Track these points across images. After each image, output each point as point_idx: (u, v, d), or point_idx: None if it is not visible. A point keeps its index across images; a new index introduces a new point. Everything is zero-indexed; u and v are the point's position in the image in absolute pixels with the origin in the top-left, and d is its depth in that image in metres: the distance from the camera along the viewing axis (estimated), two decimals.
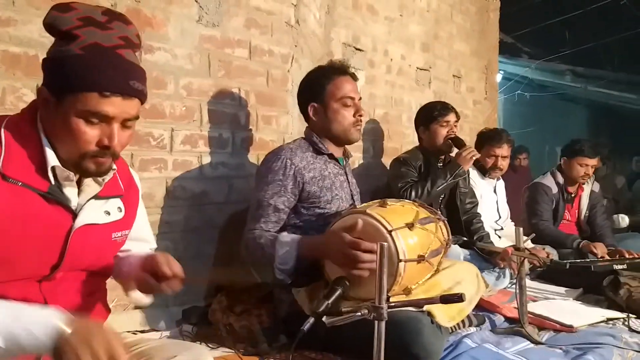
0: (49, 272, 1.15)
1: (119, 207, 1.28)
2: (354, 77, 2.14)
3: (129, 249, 1.40)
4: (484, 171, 2.99)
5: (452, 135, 2.87)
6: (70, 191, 1.18)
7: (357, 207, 1.96)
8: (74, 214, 1.18)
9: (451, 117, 2.89)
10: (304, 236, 1.87)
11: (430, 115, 2.91)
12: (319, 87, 2.07)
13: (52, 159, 1.13)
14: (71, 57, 1.09)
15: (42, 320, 0.98)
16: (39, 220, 1.11)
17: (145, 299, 1.34)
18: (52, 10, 1.12)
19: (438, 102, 3.03)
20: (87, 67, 1.08)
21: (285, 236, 1.86)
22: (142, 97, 1.17)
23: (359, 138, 2.14)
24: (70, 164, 1.15)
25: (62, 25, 1.10)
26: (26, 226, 1.09)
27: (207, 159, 2.28)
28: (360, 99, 2.12)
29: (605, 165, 5.84)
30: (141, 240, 1.45)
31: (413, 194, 2.62)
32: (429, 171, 2.84)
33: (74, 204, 1.18)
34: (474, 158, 2.79)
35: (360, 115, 2.08)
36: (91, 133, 1.11)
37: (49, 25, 1.12)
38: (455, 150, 2.88)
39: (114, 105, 1.10)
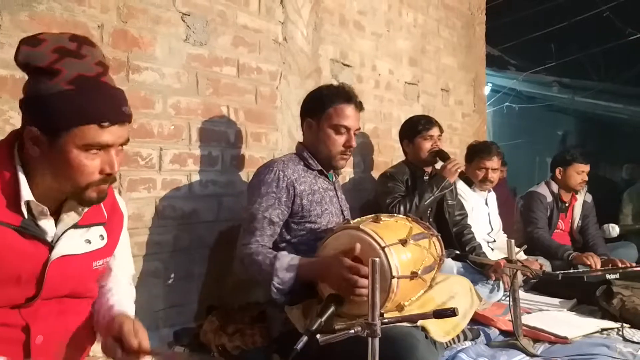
0: (27, 301, 1.14)
1: (101, 235, 1.26)
2: (359, 107, 2.11)
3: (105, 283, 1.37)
4: (469, 183, 2.98)
5: (436, 149, 2.89)
6: (46, 223, 1.16)
7: (351, 222, 1.95)
8: (51, 246, 1.16)
9: (435, 131, 2.91)
10: (302, 258, 1.83)
11: (414, 129, 2.92)
12: (320, 106, 2.07)
13: (26, 193, 1.12)
14: (61, 93, 1.07)
15: None
16: (13, 254, 1.10)
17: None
18: (23, 46, 1.09)
19: (422, 116, 3.04)
20: (81, 101, 1.07)
21: (285, 256, 1.82)
22: (131, 120, 1.19)
23: (344, 167, 2.14)
24: (73, 196, 1.16)
25: (39, 61, 1.08)
26: (0, 260, 1.07)
27: (196, 178, 2.26)
28: (358, 129, 2.09)
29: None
30: (119, 267, 1.42)
31: (402, 209, 2.61)
32: (416, 185, 2.84)
33: (50, 235, 1.16)
34: (459, 170, 2.80)
35: (350, 147, 2.06)
36: (93, 164, 1.13)
37: (24, 64, 1.09)
38: (440, 163, 2.89)
39: (112, 134, 1.12)
